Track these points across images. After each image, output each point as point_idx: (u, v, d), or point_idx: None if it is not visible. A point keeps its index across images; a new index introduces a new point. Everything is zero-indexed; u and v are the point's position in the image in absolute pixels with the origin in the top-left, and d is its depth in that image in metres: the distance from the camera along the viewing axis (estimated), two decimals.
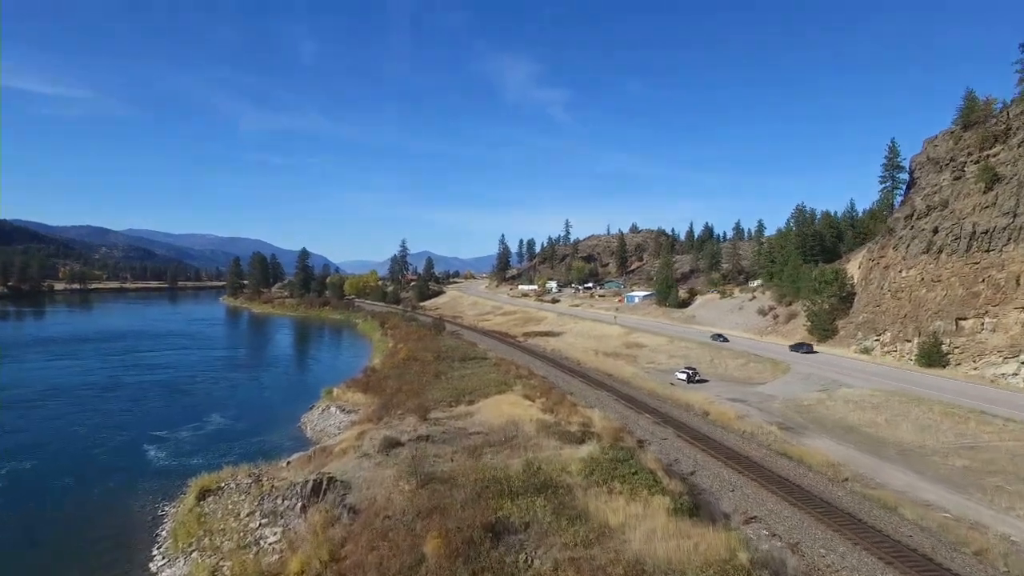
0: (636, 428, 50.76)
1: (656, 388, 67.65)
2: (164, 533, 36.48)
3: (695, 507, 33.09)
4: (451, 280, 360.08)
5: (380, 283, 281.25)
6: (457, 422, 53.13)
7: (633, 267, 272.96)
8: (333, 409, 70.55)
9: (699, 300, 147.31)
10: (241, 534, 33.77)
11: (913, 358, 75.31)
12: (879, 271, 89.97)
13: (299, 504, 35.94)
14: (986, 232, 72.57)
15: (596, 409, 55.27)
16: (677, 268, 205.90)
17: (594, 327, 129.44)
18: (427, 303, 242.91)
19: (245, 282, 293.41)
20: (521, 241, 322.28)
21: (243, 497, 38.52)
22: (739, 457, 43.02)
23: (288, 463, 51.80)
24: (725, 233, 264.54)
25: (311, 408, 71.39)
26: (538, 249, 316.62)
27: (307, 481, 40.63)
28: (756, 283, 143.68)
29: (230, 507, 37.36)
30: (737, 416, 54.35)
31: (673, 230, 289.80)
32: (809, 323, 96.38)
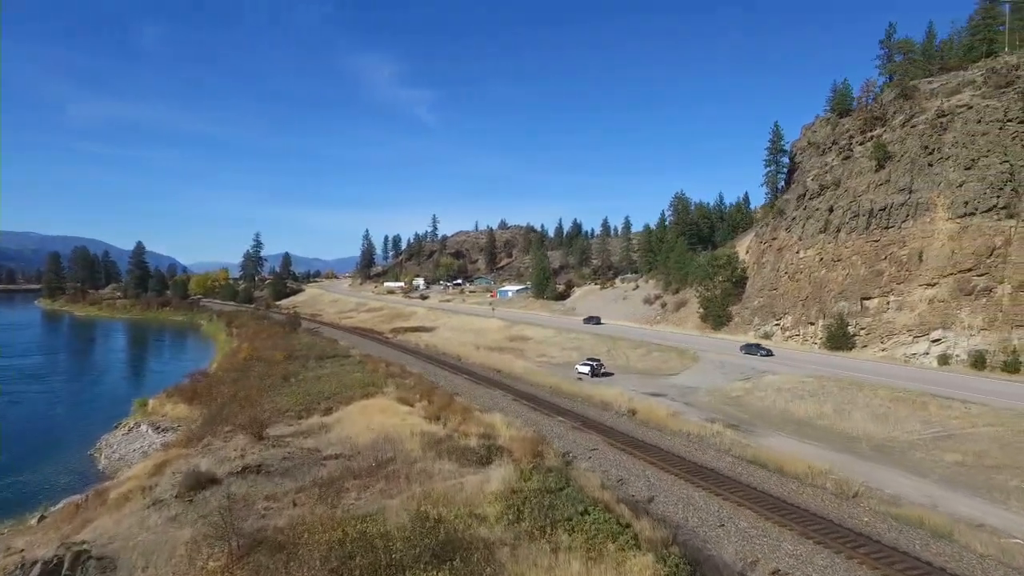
0: (553, 436, 37.46)
1: (559, 384, 55.24)
2: None
3: (693, 564, 20.30)
4: (312, 280, 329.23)
5: (231, 282, 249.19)
6: (307, 440, 36.88)
7: (502, 264, 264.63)
8: (144, 427, 54.13)
9: (578, 292, 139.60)
10: None
11: (818, 341, 70.35)
12: (772, 254, 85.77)
13: None
14: (883, 209, 69.33)
15: (496, 413, 41.28)
16: (548, 263, 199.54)
17: (471, 321, 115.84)
18: (283, 302, 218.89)
19: (71, 283, 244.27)
20: (386, 238, 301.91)
21: None
22: (702, 471, 31.23)
23: (43, 518, 34.25)
24: (593, 230, 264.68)
25: (116, 427, 54.54)
26: (404, 246, 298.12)
27: (35, 563, 23.80)
28: (631, 276, 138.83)
29: None
30: (669, 414, 43.19)
31: (542, 226, 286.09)
32: (702, 310, 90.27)
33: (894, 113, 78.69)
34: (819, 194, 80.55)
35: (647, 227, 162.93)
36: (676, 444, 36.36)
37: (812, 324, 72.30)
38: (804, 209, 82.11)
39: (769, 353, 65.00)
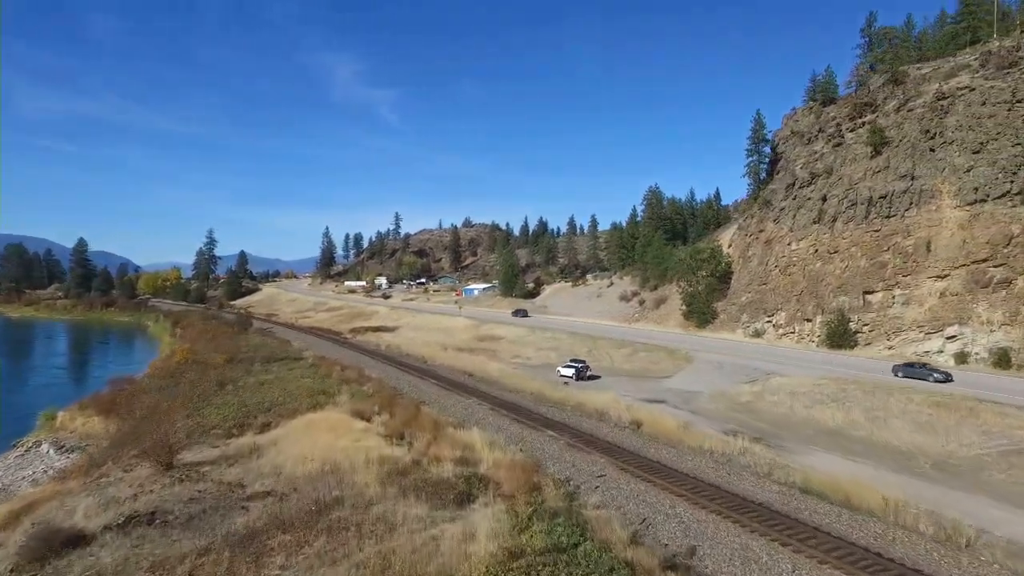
0: (548, 459, 29.58)
1: (541, 389, 47.45)
2: None
3: None
4: (271, 280, 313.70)
5: (184, 281, 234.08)
6: (230, 470, 28.28)
7: (467, 263, 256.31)
8: (46, 447, 44.36)
9: (548, 290, 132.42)
10: None
11: (816, 339, 64.51)
12: (760, 247, 79.99)
13: None
14: (884, 197, 63.99)
15: (473, 428, 33.20)
16: (516, 260, 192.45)
17: (436, 320, 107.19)
18: (239, 302, 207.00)
19: (6, 283, 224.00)
20: (347, 236, 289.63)
21: None
22: (747, 505, 23.83)
23: None
24: (559, 228, 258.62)
25: (14, 446, 45.23)
26: (366, 245, 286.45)
27: None
28: (604, 273, 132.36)
29: None
30: (680, 425, 35.89)
31: (507, 224, 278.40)
32: (685, 307, 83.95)
33: (885, 99, 73.80)
34: (810, 183, 75.06)
35: (617, 225, 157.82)
36: (701, 466, 28.94)
37: (809, 320, 66.49)
38: (794, 199, 76.54)
39: (947, 378, 44.47)
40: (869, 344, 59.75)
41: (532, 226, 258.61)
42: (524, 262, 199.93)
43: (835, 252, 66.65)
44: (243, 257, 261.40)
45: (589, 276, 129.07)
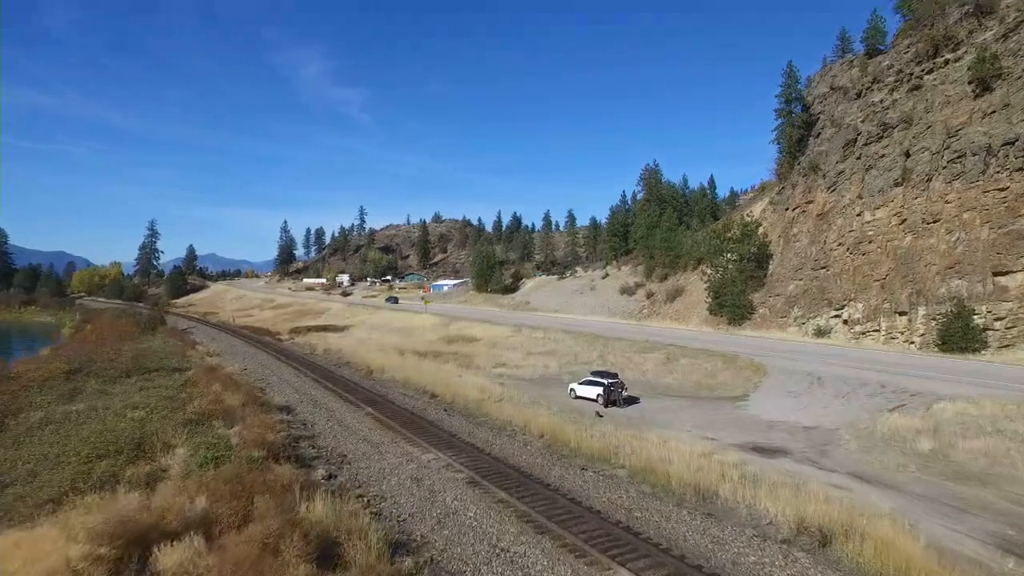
0: None
1: (557, 429, 26.26)
2: None
3: None
4: (228, 278, 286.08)
5: (125, 278, 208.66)
6: None
7: (437, 260, 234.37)
8: None
9: (530, 283, 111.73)
10: None
11: (917, 339, 45.22)
12: (810, 222, 60.74)
13: None
14: (1010, 143, 45.19)
15: None
16: (492, 250, 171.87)
17: (396, 317, 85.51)
18: (182, 300, 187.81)
19: None
20: (308, 231, 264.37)
21: None
22: None
23: None
24: (534, 224, 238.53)
25: None
26: (328, 240, 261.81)
27: None
28: (597, 264, 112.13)
29: None
30: (914, 546, 15.42)
31: (479, 219, 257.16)
32: (711, 299, 64.24)
33: (971, 32, 55.70)
34: (881, 137, 56.11)
35: (593, 219, 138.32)
36: None
37: (902, 314, 47.21)
38: (859, 158, 57.49)
39: None
40: (1008, 346, 40.69)
41: (506, 222, 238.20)
42: (499, 259, 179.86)
43: (935, 221, 47.55)
44: (191, 252, 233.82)
45: (578, 268, 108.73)
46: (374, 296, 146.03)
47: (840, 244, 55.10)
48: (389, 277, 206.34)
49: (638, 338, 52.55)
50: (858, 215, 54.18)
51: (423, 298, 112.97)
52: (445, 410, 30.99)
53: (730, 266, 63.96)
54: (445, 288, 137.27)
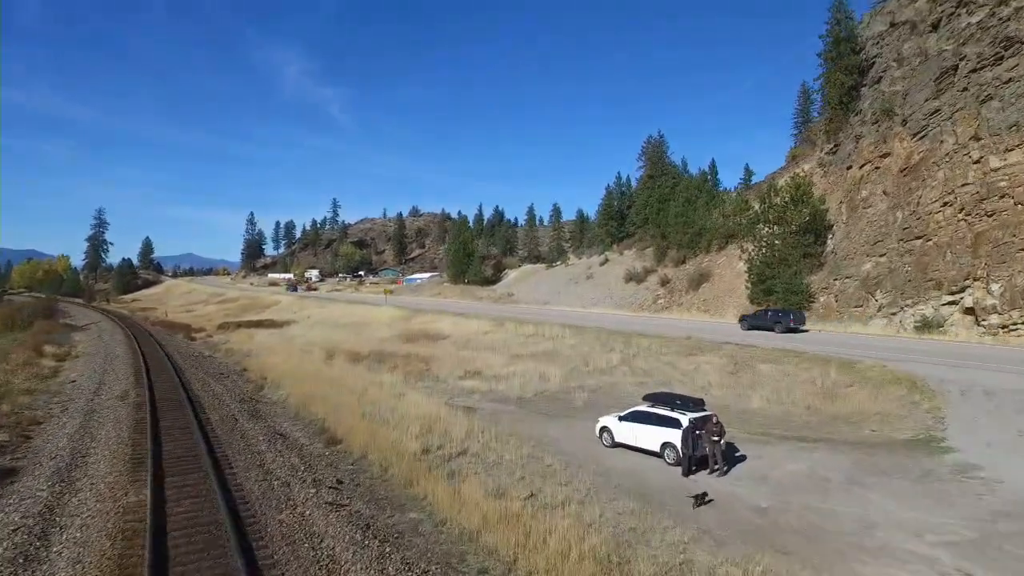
0: None
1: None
2: None
3: None
4: (201, 275, 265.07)
5: (72, 271, 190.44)
6: None
7: (414, 254, 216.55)
8: None
9: (513, 274, 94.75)
10: None
11: None
12: (889, 180, 44.45)
13: None
14: None
15: None
16: (470, 236, 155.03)
17: (351, 310, 67.76)
18: (130, 295, 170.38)
19: None
20: (278, 224, 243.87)
21: None
22: None
23: None
24: (517, 219, 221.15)
25: None
26: (300, 234, 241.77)
27: None
28: (594, 250, 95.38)
29: None
30: None
31: (460, 212, 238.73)
32: (752, 283, 47.68)
33: None
34: (1001, 58, 40.04)
35: (580, 211, 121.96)
36: None
37: None
38: (965, 90, 41.33)
39: None
40: None
41: (488, 215, 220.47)
42: (480, 254, 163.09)
43: None
44: (146, 245, 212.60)
45: (571, 256, 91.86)
46: (339, 290, 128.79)
47: (947, 204, 38.85)
48: (362, 272, 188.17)
49: (671, 334, 35.64)
50: (976, 162, 37.93)
51: (385, 289, 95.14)
52: (332, 487, 13.62)
53: (777, 241, 47.53)
54: (418, 281, 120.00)
